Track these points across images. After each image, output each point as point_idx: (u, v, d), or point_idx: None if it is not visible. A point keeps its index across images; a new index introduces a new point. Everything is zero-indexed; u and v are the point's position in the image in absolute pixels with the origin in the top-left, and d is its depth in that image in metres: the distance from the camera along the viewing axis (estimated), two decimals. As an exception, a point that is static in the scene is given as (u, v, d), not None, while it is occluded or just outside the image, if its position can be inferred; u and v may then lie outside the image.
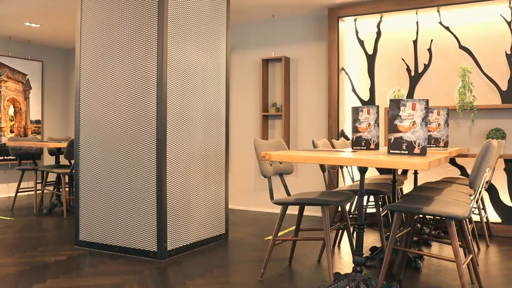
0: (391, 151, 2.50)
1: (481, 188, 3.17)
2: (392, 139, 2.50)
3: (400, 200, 2.87)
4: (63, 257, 3.60)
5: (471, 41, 4.71)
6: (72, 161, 5.33)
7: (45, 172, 5.63)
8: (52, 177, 7.45)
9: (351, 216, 3.88)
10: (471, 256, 2.72)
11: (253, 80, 5.94)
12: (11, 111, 7.13)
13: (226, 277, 3.14)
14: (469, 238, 2.97)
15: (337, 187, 5.09)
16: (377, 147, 2.91)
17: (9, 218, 5.18)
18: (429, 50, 4.89)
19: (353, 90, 5.27)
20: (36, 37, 7.01)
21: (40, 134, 7.61)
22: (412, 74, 4.98)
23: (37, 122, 7.56)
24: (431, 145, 3.59)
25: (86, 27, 3.87)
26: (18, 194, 7.07)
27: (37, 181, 5.72)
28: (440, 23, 4.83)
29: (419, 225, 4.17)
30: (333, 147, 3.80)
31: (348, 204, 3.90)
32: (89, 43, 3.85)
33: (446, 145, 3.59)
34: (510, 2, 4.46)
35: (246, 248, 3.94)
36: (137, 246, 3.63)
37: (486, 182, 3.88)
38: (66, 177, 5.85)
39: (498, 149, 3.74)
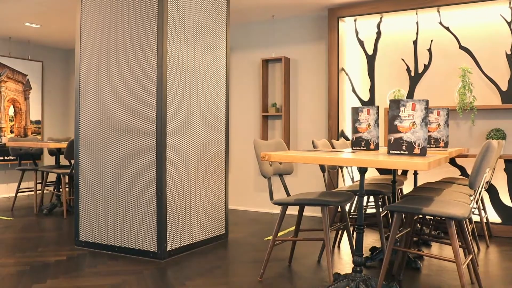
0: (391, 151, 2.50)
1: (481, 189, 3.17)
2: (392, 140, 2.50)
3: (400, 200, 2.87)
4: (63, 257, 3.60)
5: (471, 41, 4.71)
6: (72, 162, 5.33)
7: (45, 172, 5.63)
8: (52, 177, 7.46)
9: (351, 216, 3.88)
10: (471, 256, 2.72)
11: (253, 80, 5.94)
12: (11, 111, 7.13)
13: (226, 277, 3.14)
14: (469, 238, 2.97)
15: (337, 187, 5.09)
16: (377, 147, 2.91)
17: (9, 218, 5.18)
18: (429, 50, 4.89)
19: (353, 90, 5.27)
20: (36, 38, 7.02)
21: (40, 134, 7.61)
22: (412, 74, 4.98)
23: (37, 122, 7.56)
24: (431, 146, 3.59)
25: (86, 27, 3.87)
26: (18, 194, 7.07)
27: (37, 181, 5.72)
28: (440, 23, 4.83)
29: (419, 226, 4.17)
30: (333, 147, 3.80)
31: (348, 205, 3.90)
32: (89, 44, 3.86)
33: (446, 145, 3.59)
34: (510, 2, 4.46)
35: (246, 248, 3.94)
36: (137, 246, 3.63)
37: (486, 182, 3.88)
38: (66, 177, 5.85)
39: (498, 150, 3.74)
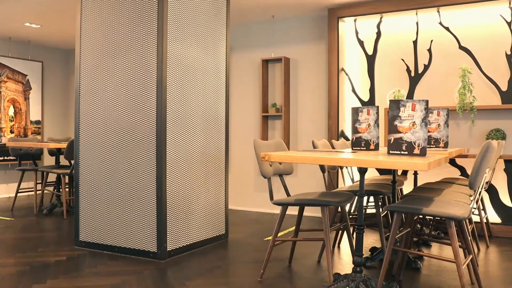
0: (391, 151, 2.50)
1: (481, 189, 3.17)
2: (392, 140, 2.50)
3: (400, 200, 2.87)
4: (63, 258, 3.60)
5: (471, 41, 4.71)
6: (72, 162, 5.33)
7: (45, 173, 5.63)
8: (52, 177, 7.46)
9: (351, 216, 3.88)
10: (471, 256, 2.72)
11: (253, 80, 5.94)
12: (11, 111, 7.13)
13: (226, 277, 3.14)
14: (469, 238, 2.97)
15: (337, 187, 5.09)
16: (377, 147, 2.91)
17: (9, 219, 5.18)
18: (429, 50, 4.89)
19: (353, 90, 5.27)
20: (36, 38, 7.02)
21: (40, 134, 7.61)
22: (412, 74, 4.98)
23: (37, 122, 7.56)
24: (431, 146, 3.59)
25: (86, 27, 3.87)
26: (18, 194, 7.07)
27: (37, 182, 5.72)
28: (440, 23, 4.83)
29: (419, 226, 4.17)
30: (333, 147, 3.80)
31: (348, 205, 3.90)
32: (89, 44, 3.86)
33: (446, 145, 3.59)
34: (510, 3, 4.46)
35: (246, 248, 3.94)
36: (137, 246, 3.63)
37: (486, 182, 3.88)
38: (66, 177, 5.85)
39: (498, 150, 3.74)
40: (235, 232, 4.56)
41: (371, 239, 4.29)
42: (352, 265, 3.17)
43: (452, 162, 4.77)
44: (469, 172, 4.70)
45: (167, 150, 3.56)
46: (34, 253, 3.72)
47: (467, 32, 4.72)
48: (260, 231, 4.65)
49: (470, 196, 3.34)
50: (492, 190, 4.56)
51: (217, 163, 4.14)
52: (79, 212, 3.92)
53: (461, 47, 4.74)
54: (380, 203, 3.49)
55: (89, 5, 3.85)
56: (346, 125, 5.30)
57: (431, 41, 4.88)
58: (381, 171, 5.02)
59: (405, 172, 4.73)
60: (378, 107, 2.90)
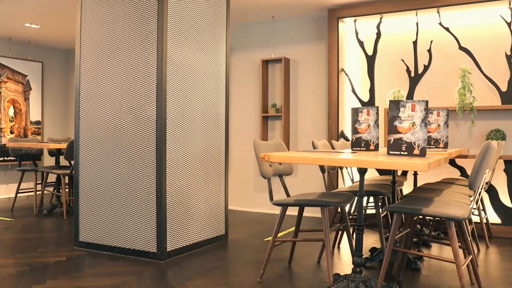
0: (390, 152, 2.50)
1: (481, 189, 3.17)
2: (392, 140, 2.50)
3: (399, 201, 2.87)
4: (63, 258, 3.60)
5: (471, 42, 4.71)
6: (72, 162, 5.33)
7: (45, 173, 5.63)
8: (52, 178, 7.46)
9: (350, 217, 3.88)
10: (470, 257, 2.72)
11: (253, 81, 5.94)
12: (11, 112, 7.13)
13: (226, 278, 3.14)
14: (469, 239, 2.97)
15: (337, 188, 5.09)
16: (376, 148, 2.91)
17: (9, 219, 5.18)
18: (429, 51, 4.89)
19: (353, 91, 5.27)
20: (36, 38, 7.02)
21: (40, 135, 7.61)
22: (412, 75, 4.98)
23: (37, 123, 7.56)
24: (431, 146, 3.59)
25: (86, 28, 3.87)
26: (18, 195, 7.07)
27: (37, 182, 5.72)
28: (440, 24, 4.83)
29: (418, 226, 4.17)
30: (333, 148, 3.80)
31: (348, 205, 3.90)
32: (89, 44, 3.86)
33: (446, 146, 3.59)
34: (510, 3, 4.47)
35: (245, 249, 3.94)
36: (137, 247, 3.63)
37: (486, 183, 3.88)
38: (66, 178, 5.84)
39: (498, 150, 3.74)
40: (235, 233, 4.56)
41: (371, 240, 4.29)
42: (352, 266, 3.17)
43: (452, 162, 4.78)
44: (469, 172, 4.70)
45: (167, 151, 3.56)
46: (34, 254, 3.72)
47: (467, 32, 4.73)
48: (260, 231, 4.65)
49: (470, 196, 3.34)
50: (492, 191, 4.56)
51: (217, 164, 4.14)
52: (79, 212, 3.92)
53: (461, 48, 4.75)
54: (380, 204, 3.49)
55: (89, 5, 3.85)
56: (346, 126, 5.30)
57: (431, 41, 4.88)
58: (381, 172, 5.02)
59: (405, 173, 4.73)
60: (378, 107, 2.90)
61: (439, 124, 3.58)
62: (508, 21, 4.52)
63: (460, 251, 3.66)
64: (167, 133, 3.55)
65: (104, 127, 3.77)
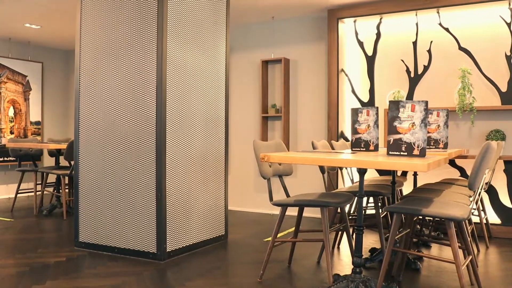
0: (390, 152, 2.50)
1: (481, 190, 3.17)
2: (392, 141, 2.50)
3: (399, 201, 2.87)
4: (62, 258, 3.60)
5: (470, 42, 4.71)
6: (72, 162, 5.33)
7: (45, 173, 5.63)
8: (52, 178, 7.46)
9: (350, 217, 3.88)
10: (470, 257, 2.72)
11: (252, 81, 5.95)
12: (11, 112, 7.13)
13: (226, 278, 3.14)
14: (469, 239, 2.97)
15: (337, 188, 5.09)
16: (376, 148, 2.91)
17: (9, 219, 5.18)
18: (429, 51, 4.90)
19: (353, 91, 5.27)
20: (36, 38, 7.02)
21: (40, 135, 7.61)
22: (412, 75, 4.98)
23: (37, 123, 7.57)
24: (431, 147, 3.59)
25: (86, 28, 3.87)
26: (18, 195, 7.07)
27: (37, 182, 5.72)
28: (440, 24, 4.83)
29: (418, 227, 4.17)
30: (333, 148, 3.80)
31: (348, 206, 3.90)
32: (89, 45, 3.86)
33: (445, 146, 3.59)
34: (510, 4, 4.47)
35: (245, 249, 3.94)
36: (137, 247, 3.63)
37: (486, 183, 3.88)
38: (66, 178, 5.84)
39: (497, 151, 3.75)
40: (234, 233, 4.56)
41: (370, 240, 4.29)
42: (352, 266, 3.17)
43: (452, 163, 4.78)
44: (468, 173, 4.70)
45: (167, 151, 3.56)
46: (33, 254, 3.72)
47: (466, 33, 4.73)
48: (260, 232, 4.65)
49: (470, 197, 3.34)
50: (491, 191, 4.56)
51: (216, 164, 4.14)
52: (78, 213, 3.92)
53: (460, 48, 4.75)
54: (379, 204, 3.49)
55: (89, 5, 3.85)
56: (345, 126, 5.30)
57: (431, 42, 4.88)
58: (381, 172, 5.02)
59: (404, 173, 4.74)
60: (377, 108, 2.90)
61: (439, 125, 3.58)
62: (508, 21, 4.52)
63: (460, 252, 3.66)
64: (167, 134, 3.55)
65: (104, 128, 3.77)
